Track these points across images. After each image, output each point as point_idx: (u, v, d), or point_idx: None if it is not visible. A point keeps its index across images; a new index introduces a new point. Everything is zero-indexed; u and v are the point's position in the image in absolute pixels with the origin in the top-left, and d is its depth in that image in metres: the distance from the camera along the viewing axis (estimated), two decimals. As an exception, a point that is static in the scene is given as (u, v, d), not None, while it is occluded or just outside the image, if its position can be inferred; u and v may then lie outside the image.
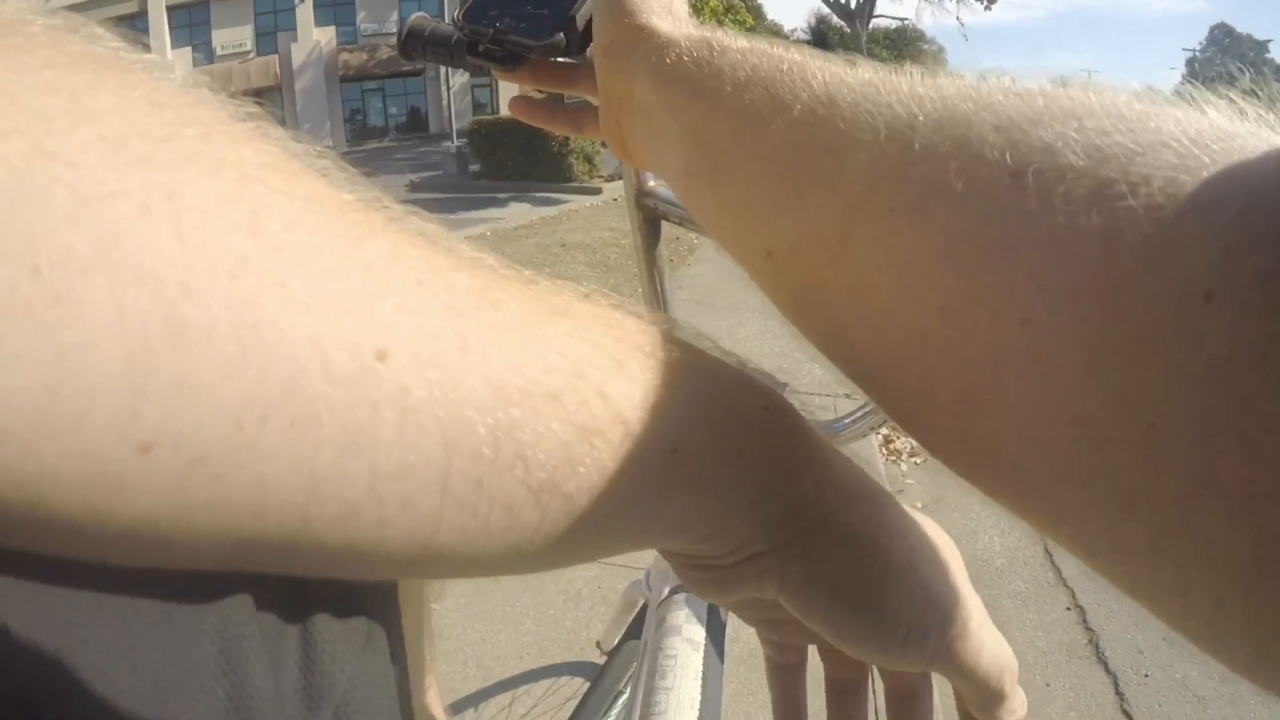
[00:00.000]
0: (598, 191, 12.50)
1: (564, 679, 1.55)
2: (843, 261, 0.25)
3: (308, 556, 0.21)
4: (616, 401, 0.23)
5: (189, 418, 0.17)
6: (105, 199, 0.16)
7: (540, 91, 0.59)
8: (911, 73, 0.27)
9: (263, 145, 0.20)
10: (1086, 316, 0.19)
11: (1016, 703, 0.33)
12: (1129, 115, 0.20)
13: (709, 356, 0.27)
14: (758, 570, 0.28)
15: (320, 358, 0.18)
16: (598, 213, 10.21)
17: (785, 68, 0.30)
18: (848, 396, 3.69)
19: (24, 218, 0.16)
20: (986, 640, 0.31)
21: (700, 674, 0.49)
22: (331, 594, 0.25)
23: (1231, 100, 0.20)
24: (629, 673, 0.98)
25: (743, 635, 1.99)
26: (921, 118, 0.24)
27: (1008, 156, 0.21)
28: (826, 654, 0.39)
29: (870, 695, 0.40)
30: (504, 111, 18.64)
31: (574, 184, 13.12)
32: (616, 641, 1.01)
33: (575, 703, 1.02)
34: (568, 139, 13.04)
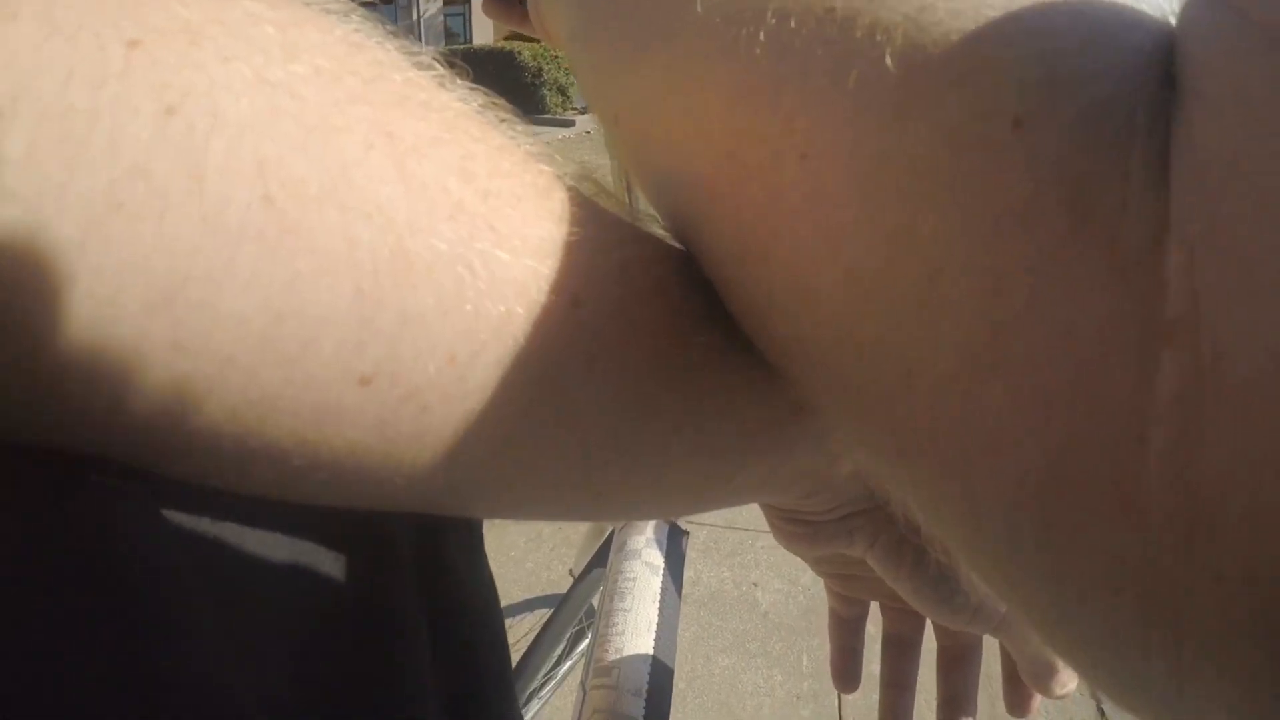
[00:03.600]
0: (570, 124, 12.30)
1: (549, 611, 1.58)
2: (664, 117, 0.23)
3: (491, 497, 0.22)
4: (754, 359, 0.24)
5: (409, 351, 0.17)
6: (330, 132, 0.17)
7: None
8: None
9: (451, 94, 0.20)
10: (865, 144, 0.16)
11: (1066, 676, 0.35)
12: None
13: None
14: (851, 528, 0.30)
15: (526, 300, 0.19)
16: (570, 146, 10.05)
17: None
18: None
19: (253, 144, 0.15)
20: None
21: (658, 596, 0.50)
22: (465, 538, 0.27)
23: None
24: (593, 599, 0.99)
25: (703, 579, 2.01)
26: None
27: None
28: (888, 610, 0.40)
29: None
30: (477, 41, 18.17)
31: (547, 116, 12.89)
32: (584, 566, 1.03)
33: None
34: (540, 70, 12.77)
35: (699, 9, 0.22)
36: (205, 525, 0.19)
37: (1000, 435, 0.14)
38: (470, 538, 0.28)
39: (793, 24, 0.19)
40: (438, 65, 0.21)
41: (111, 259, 0.14)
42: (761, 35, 0.19)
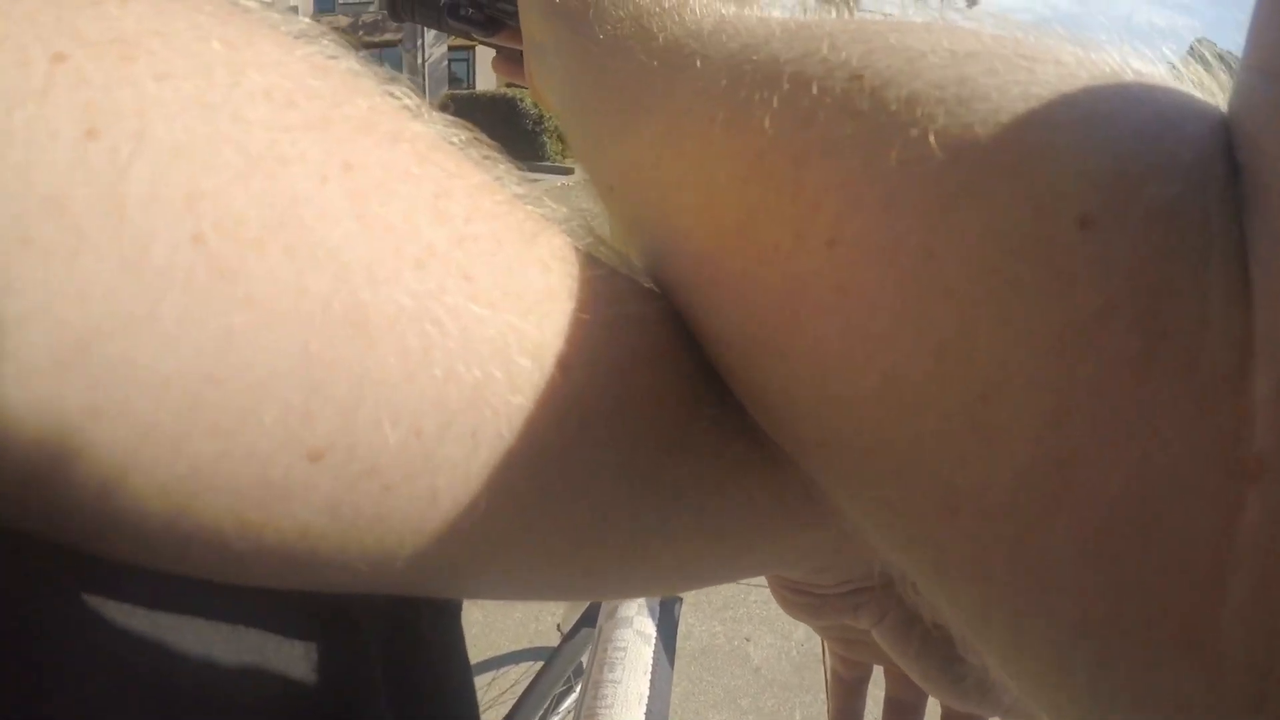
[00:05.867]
0: (570, 171, 12.44)
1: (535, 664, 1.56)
2: (655, 183, 0.21)
3: (468, 579, 0.20)
4: (765, 437, 0.22)
5: (367, 421, 0.15)
6: (277, 162, 0.14)
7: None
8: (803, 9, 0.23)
9: (425, 126, 0.18)
10: (907, 237, 0.14)
11: None
12: (1026, 42, 0.16)
13: None
14: (858, 603, 0.29)
15: (505, 362, 0.17)
16: (570, 193, 10.18)
17: (668, 3, 0.26)
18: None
19: (184, 173, 0.13)
20: None
21: (649, 668, 0.48)
22: (441, 615, 0.25)
23: (1174, 69, 0.16)
24: (582, 658, 0.97)
25: (695, 632, 1.99)
26: (779, 32, 0.20)
27: (854, 58, 0.17)
28: (892, 675, 0.39)
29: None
30: (480, 86, 18.44)
31: (547, 163, 13.04)
32: (573, 624, 1.01)
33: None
34: (541, 117, 12.96)
35: (698, 64, 0.20)
36: (138, 618, 0.17)
37: (1058, 575, 0.13)
38: (445, 616, 0.26)
39: (814, 90, 0.17)
40: (411, 95, 0.19)
41: (16, 305, 0.12)
42: (775, 101, 0.17)
